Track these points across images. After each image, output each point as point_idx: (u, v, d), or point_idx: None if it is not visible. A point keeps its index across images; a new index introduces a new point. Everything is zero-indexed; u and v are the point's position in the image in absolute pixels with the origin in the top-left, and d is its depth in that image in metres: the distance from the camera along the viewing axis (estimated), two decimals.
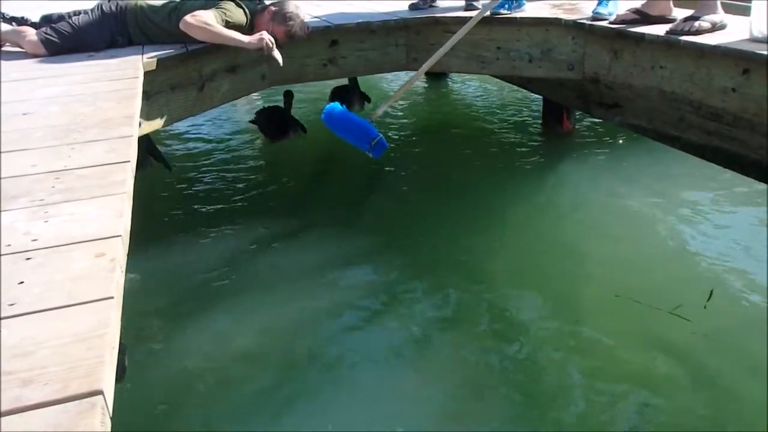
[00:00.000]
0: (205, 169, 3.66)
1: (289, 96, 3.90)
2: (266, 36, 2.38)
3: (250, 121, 4.00)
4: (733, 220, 2.83)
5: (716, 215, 2.87)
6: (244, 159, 3.81)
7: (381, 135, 2.14)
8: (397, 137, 4.08)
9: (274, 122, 3.85)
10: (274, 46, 2.41)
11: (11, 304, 0.82)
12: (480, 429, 1.78)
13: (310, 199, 3.23)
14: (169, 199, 3.26)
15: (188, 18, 2.30)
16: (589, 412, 1.81)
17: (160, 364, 2.04)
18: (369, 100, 4.29)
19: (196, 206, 3.17)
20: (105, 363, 0.69)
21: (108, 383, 0.69)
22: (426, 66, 2.23)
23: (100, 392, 0.66)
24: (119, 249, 0.95)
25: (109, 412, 0.67)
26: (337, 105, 2.19)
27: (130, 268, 1.06)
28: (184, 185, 3.43)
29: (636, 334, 2.12)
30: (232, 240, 2.82)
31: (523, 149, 3.76)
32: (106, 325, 0.76)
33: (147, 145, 3.42)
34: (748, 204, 2.93)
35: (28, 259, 0.93)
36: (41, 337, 0.74)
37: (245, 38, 2.37)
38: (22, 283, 0.87)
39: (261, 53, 2.44)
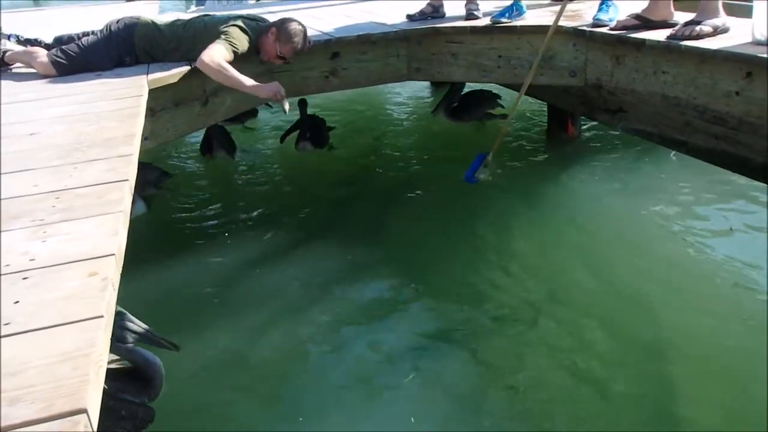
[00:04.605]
0: (206, 181, 3.70)
1: (303, 104, 3.77)
2: (279, 88, 2.43)
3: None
4: (739, 224, 2.79)
5: (721, 220, 2.83)
6: (252, 174, 3.84)
7: (471, 173, 2.94)
8: (401, 144, 4.10)
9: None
10: (284, 96, 2.45)
11: (6, 324, 0.84)
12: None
13: (313, 214, 3.24)
14: (171, 212, 3.29)
15: (205, 59, 2.31)
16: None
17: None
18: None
19: (194, 220, 3.19)
20: (90, 382, 0.71)
21: (93, 402, 0.70)
22: (528, 79, 2.56)
23: (84, 411, 0.67)
24: (112, 267, 0.97)
25: (93, 430, 0.68)
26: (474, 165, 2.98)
27: (125, 284, 1.08)
28: (183, 196, 3.46)
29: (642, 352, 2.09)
30: (232, 256, 2.82)
31: (528, 155, 3.74)
32: (93, 344, 0.77)
33: (225, 142, 3.72)
34: (754, 210, 2.89)
35: (25, 278, 0.96)
36: (30, 356, 0.76)
37: (259, 86, 2.40)
38: (17, 302, 0.89)
39: (271, 99, 2.51)
